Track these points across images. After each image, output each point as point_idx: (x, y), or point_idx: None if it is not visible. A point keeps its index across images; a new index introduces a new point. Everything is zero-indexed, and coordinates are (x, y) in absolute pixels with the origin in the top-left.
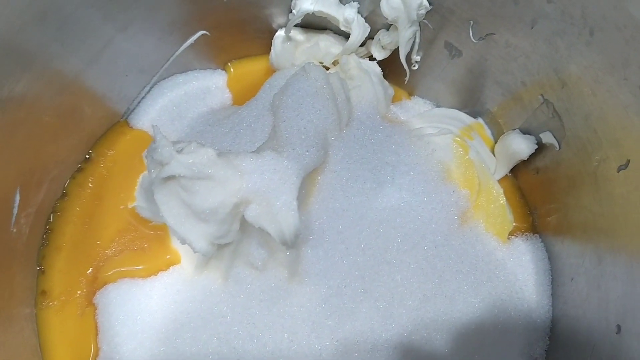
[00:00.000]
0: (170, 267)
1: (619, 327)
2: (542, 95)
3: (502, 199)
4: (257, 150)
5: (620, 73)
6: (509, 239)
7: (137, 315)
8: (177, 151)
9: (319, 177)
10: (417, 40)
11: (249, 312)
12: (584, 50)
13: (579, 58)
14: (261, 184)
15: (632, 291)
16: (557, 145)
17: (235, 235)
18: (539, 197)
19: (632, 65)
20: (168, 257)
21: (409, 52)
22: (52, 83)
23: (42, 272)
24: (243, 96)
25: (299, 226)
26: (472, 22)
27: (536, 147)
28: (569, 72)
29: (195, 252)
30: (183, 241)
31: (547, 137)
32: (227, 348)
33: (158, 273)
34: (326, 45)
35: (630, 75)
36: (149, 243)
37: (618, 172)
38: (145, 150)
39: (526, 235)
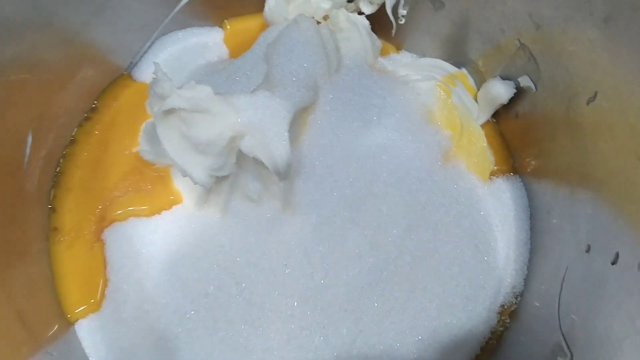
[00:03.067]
0: (173, 207)
1: (588, 246)
2: (518, 40)
3: (484, 141)
4: (251, 92)
5: (586, 8)
6: (490, 178)
7: (142, 249)
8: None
9: (310, 117)
10: None
11: (246, 241)
12: None
13: None
14: (255, 118)
15: (600, 211)
16: (533, 87)
17: (232, 168)
18: (519, 140)
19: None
20: (171, 197)
21: (395, 6)
22: (59, 34)
23: (53, 210)
24: (239, 51)
25: (290, 155)
26: None
27: (515, 91)
28: (541, 14)
29: (195, 184)
30: (184, 173)
31: (524, 81)
32: (225, 274)
33: (161, 212)
34: (317, 0)
35: (594, 10)
36: (152, 185)
37: (587, 105)
38: (148, 99)
39: (507, 175)
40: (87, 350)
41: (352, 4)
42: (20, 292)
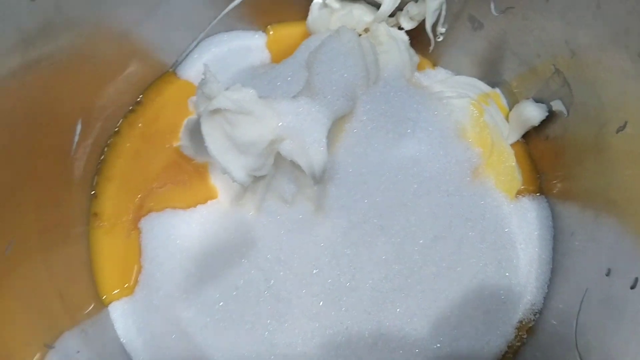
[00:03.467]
0: (208, 201)
1: (609, 269)
2: (554, 65)
3: (513, 160)
4: (293, 97)
5: (622, 41)
6: (516, 197)
7: (176, 240)
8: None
9: (347, 125)
10: (443, 12)
11: (277, 240)
12: (591, 22)
13: (587, 29)
14: (295, 123)
15: (622, 238)
16: (565, 112)
17: (269, 169)
18: (548, 162)
19: (632, 33)
20: (207, 192)
21: (434, 23)
22: (113, 30)
23: (95, 196)
24: (281, 56)
25: (327, 161)
26: None
27: (547, 114)
28: (577, 42)
29: (233, 182)
30: (224, 171)
31: (557, 105)
32: (256, 270)
33: (197, 205)
34: (359, 13)
35: (630, 43)
36: (190, 179)
37: (617, 133)
38: (191, 96)
39: (533, 195)
40: (118, 332)
41: (392, 19)
42: (60, 271)
